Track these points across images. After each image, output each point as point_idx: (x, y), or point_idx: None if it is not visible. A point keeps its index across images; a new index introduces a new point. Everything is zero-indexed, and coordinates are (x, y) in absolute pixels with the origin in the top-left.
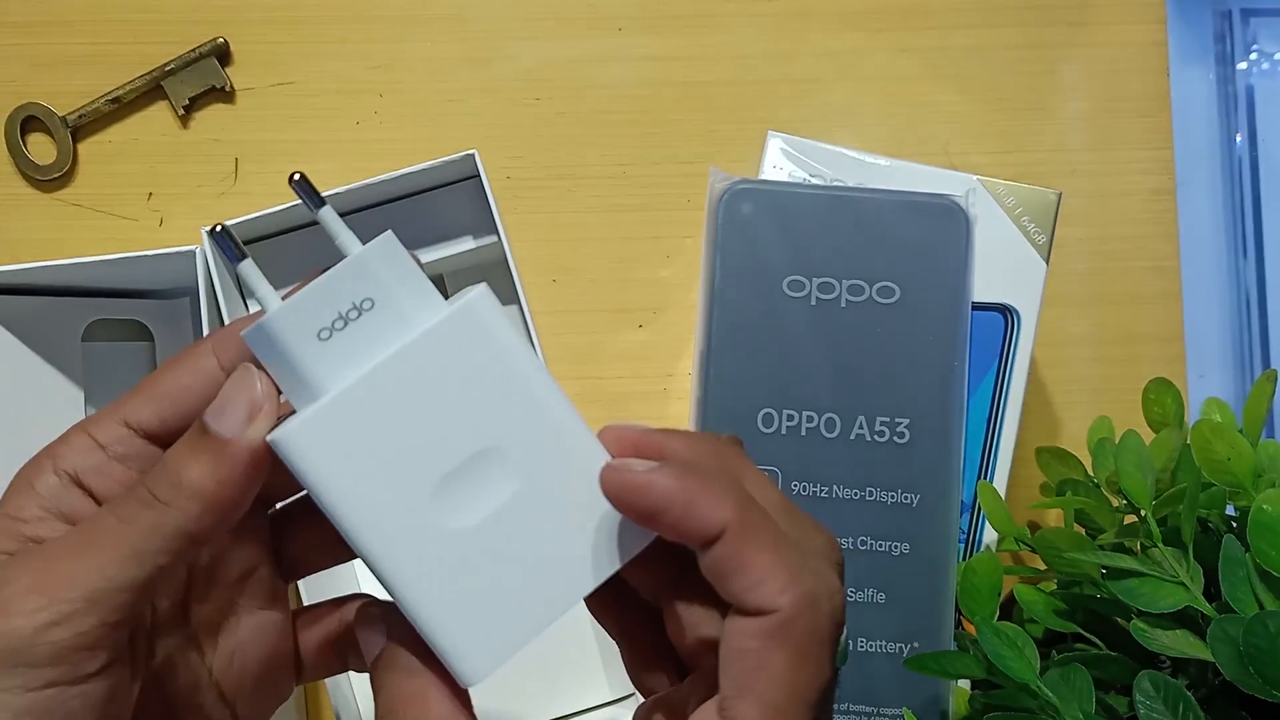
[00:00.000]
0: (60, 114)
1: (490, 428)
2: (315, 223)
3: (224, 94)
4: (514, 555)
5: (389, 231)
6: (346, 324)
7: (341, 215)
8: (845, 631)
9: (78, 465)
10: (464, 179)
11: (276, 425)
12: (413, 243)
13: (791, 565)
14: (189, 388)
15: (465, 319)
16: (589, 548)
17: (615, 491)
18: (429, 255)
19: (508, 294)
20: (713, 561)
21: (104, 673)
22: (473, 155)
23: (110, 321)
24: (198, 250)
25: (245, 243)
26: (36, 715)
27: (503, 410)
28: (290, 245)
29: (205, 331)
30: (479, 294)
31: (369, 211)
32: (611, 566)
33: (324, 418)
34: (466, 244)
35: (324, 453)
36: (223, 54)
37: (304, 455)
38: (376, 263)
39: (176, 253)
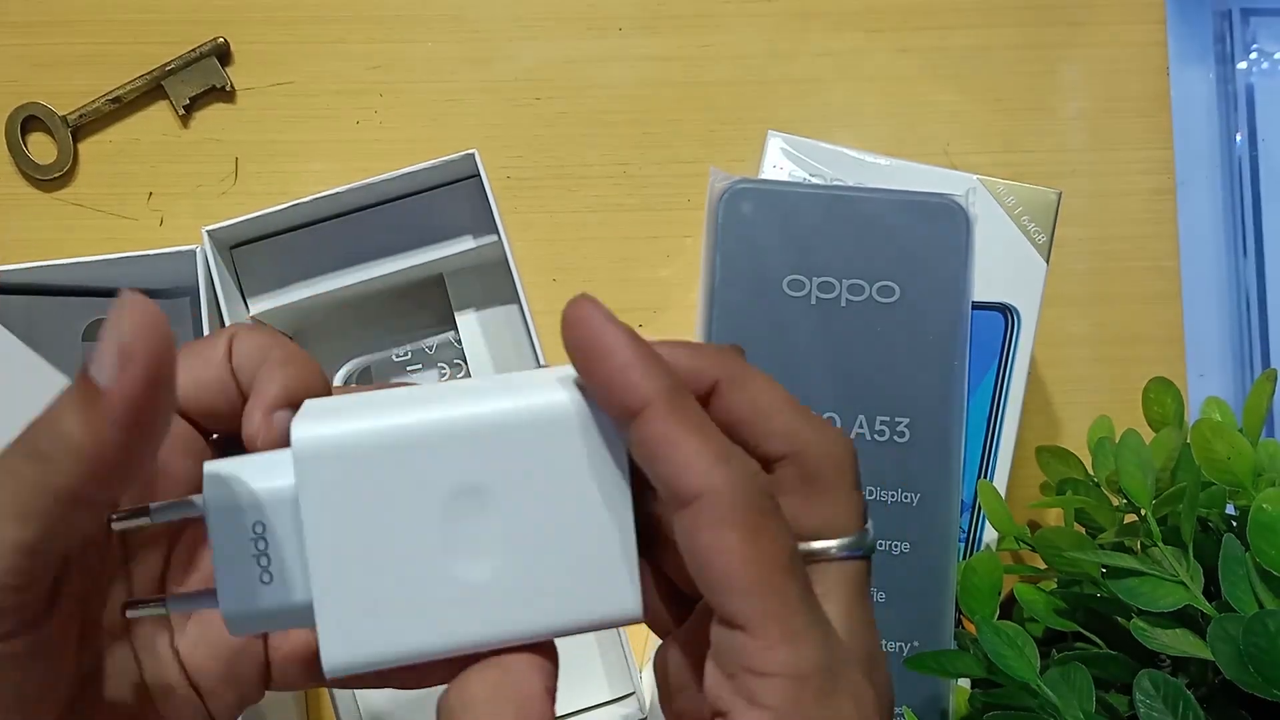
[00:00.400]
0: (61, 114)
1: (446, 483)
2: (316, 222)
3: (224, 94)
4: (551, 552)
5: (205, 464)
6: (268, 555)
7: (341, 215)
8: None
9: None
10: (464, 178)
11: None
12: (413, 242)
13: (719, 445)
14: (200, 371)
15: (313, 459)
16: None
17: (572, 322)
18: (429, 255)
19: (508, 293)
20: (640, 442)
21: (19, 636)
22: (473, 155)
23: None
24: (197, 250)
25: (245, 242)
26: None
27: (436, 467)
28: (290, 244)
29: (206, 331)
30: (299, 433)
31: (369, 211)
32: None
33: (330, 623)
34: (467, 243)
35: (362, 639)
36: (223, 54)
37: (354, 657)
38: (224, 496)
39: (176, 252)
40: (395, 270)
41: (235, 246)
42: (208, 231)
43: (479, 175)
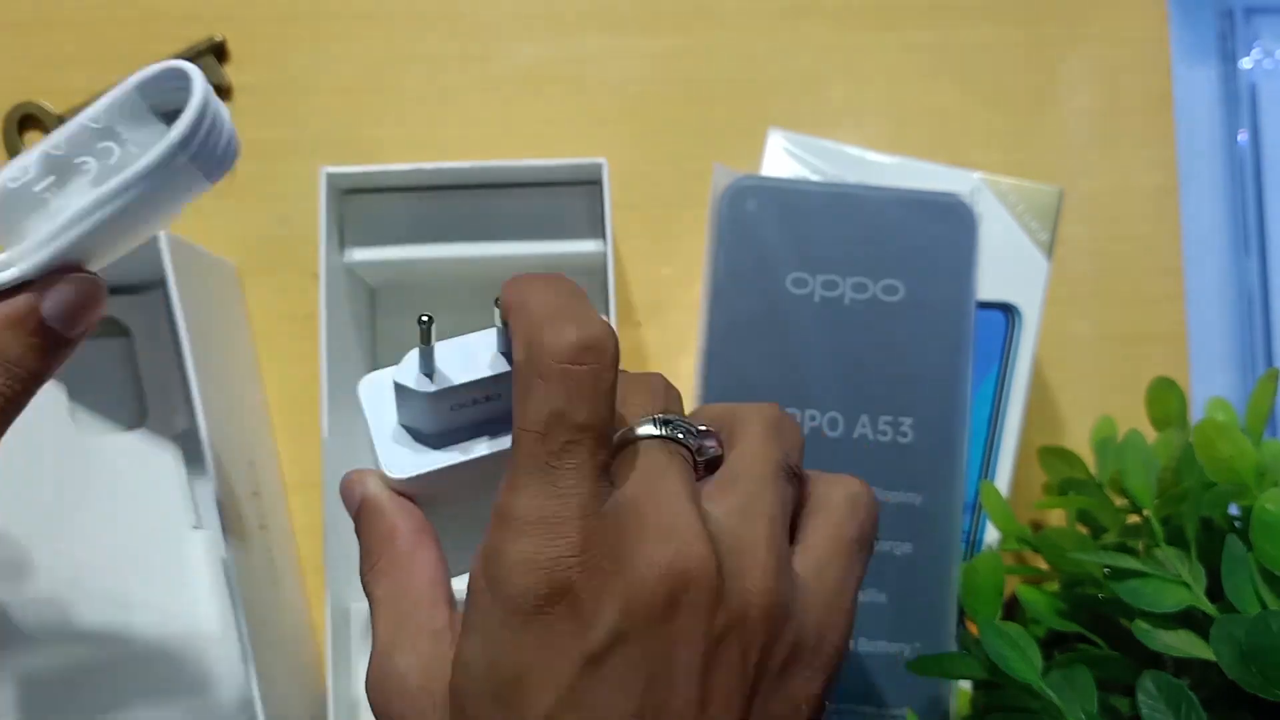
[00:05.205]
0: (57, 112)
1: None
2: (421, 188)
3: (222, 92)
4: None
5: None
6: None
7: (450, 188)
8: None
9: None
10: (585, 182)
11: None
12: (516, 234)
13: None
14: None
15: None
16: None
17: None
18: (531, 249)
19: (597, 304)
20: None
21: None
22: (600, 163)
23: None
24: (161, 235)
25: (358, 191)
26: None
27: None
28: (396, 204)
29: (181, 323)
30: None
31: (479, 191)
32: None
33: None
34: (569, 245)
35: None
36: (221, 52)
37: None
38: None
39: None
40: (494, 255)
41: (348, 193)
42: (326, 173)
43: (600, 182)
